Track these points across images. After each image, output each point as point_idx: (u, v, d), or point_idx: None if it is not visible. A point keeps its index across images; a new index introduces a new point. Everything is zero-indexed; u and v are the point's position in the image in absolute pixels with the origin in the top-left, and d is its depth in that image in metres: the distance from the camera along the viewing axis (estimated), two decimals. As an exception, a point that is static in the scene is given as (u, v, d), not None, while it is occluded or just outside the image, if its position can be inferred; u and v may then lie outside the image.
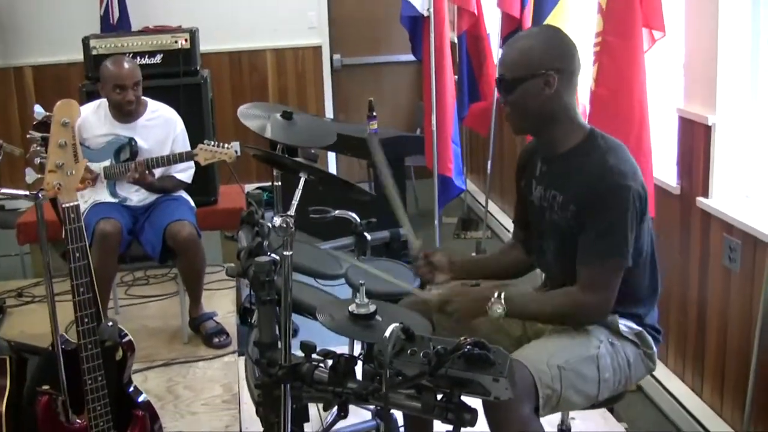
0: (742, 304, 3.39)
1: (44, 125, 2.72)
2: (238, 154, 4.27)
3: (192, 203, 4.59)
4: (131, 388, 2.98)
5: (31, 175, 4.13)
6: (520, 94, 2.51)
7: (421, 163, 6.52)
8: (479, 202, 6.91)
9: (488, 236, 6.15)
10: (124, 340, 2.89)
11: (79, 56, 5.64)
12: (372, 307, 2.26)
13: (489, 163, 5.81)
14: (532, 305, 2.60)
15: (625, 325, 2.60)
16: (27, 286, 5.24)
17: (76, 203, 2.60)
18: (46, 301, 4.91)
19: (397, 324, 2.06)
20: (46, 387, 2.73)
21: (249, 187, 6.99)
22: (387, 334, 2.02)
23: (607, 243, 2.46)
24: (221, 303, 4.85)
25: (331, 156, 8.08)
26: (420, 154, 6.43)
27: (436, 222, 5.37)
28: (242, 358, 4.27)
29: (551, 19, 4.27)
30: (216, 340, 4.38)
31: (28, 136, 3.62)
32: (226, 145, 4.26)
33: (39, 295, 5.08)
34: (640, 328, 2.62)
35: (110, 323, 2.84)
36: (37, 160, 3.64)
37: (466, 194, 6.60)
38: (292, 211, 2.29)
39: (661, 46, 3.67)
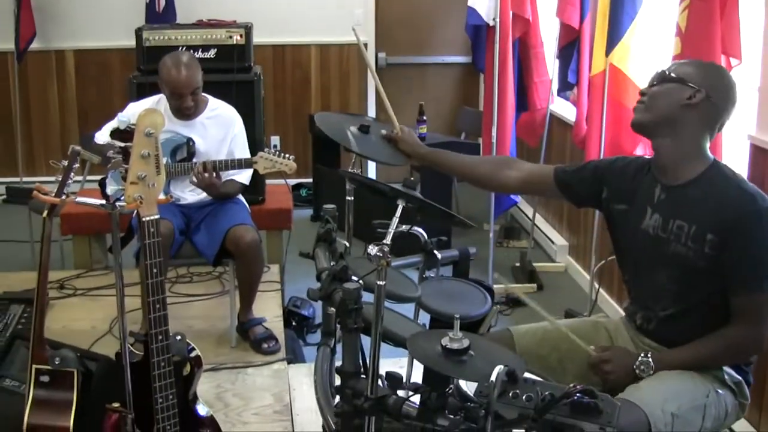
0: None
1: (124, 133, 2.61)
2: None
3: (247, 205, 4.51)
4: (197, 404, 2.90)
5: (112, 186, 4.08)
6: (666, 88, 2.52)
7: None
8: (523, 212, 6.82)
9: (532, 246, 6.07)
10: (191, 355, 2.81)
11: (122, 43, 5.54)
12: (465, 342, 2.17)
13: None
14: (684, 356, 2.52)
15: (728, 374, 2.51)
16: (68, 278, 5.17)
17: (156, 217, 2.51)
18: (87, 294, 4.93)
19: (502, 366, 1.98)
20: (116, 404, 2.65)
21: (291, 182, 6.90)
22: (493, 378, 1.94)
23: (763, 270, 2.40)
24: (267, 306, 4.76)
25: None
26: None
27: (491, 234, 5.31)
28: (292, 366, 4.20)
29: (626, 38, 4.17)
30: (265, 345, 4.28)
31: (105, 142, 3.52)
32: (286, 156, 4.18)
33: (80, 288, 5.04)
34: (740, 378, 2.53)
35: (178, 337, 2.76)
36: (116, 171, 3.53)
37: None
38: (388, 240, 2.21)
39: (736, 72, 3.57)
